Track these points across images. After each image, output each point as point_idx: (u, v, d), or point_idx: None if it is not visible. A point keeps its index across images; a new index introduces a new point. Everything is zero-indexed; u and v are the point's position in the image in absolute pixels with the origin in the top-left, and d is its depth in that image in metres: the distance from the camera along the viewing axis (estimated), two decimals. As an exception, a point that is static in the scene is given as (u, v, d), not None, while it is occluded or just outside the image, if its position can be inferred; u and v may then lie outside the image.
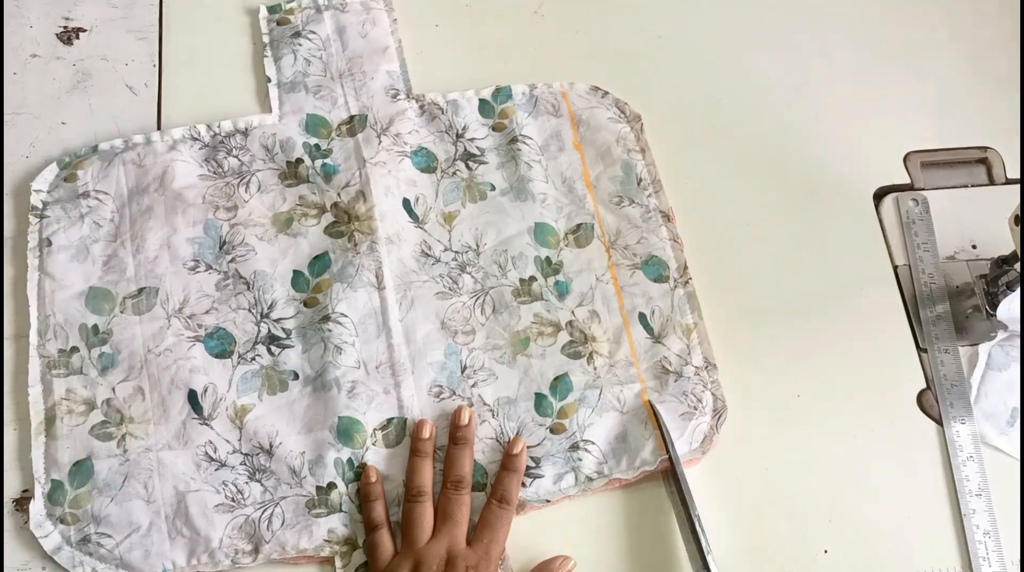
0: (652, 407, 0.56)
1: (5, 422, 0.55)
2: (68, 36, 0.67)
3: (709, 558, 0.50)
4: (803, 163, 0.66)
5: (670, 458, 0.54)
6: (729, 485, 0.55)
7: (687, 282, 0.60)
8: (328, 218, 0.61)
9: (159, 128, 0.64)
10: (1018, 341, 0.60)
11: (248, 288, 0.58)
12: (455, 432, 0.55)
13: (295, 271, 0.59)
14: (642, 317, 0.59)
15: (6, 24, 0.67)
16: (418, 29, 0.69)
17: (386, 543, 0.52)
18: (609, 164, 0.64)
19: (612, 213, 0.62)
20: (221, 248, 0.59)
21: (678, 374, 0.57)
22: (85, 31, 0.67)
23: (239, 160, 0.62)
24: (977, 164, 0.67)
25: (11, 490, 0.53)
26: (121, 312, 0.57)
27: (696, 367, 0.57)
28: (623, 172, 0.63)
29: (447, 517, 0.52)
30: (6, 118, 0.63)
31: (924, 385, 0.59)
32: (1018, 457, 0.57)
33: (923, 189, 0.65)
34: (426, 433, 0.54)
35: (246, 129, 0.63)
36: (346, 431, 0.55)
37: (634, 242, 0.61)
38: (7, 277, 0.58)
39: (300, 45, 0.66)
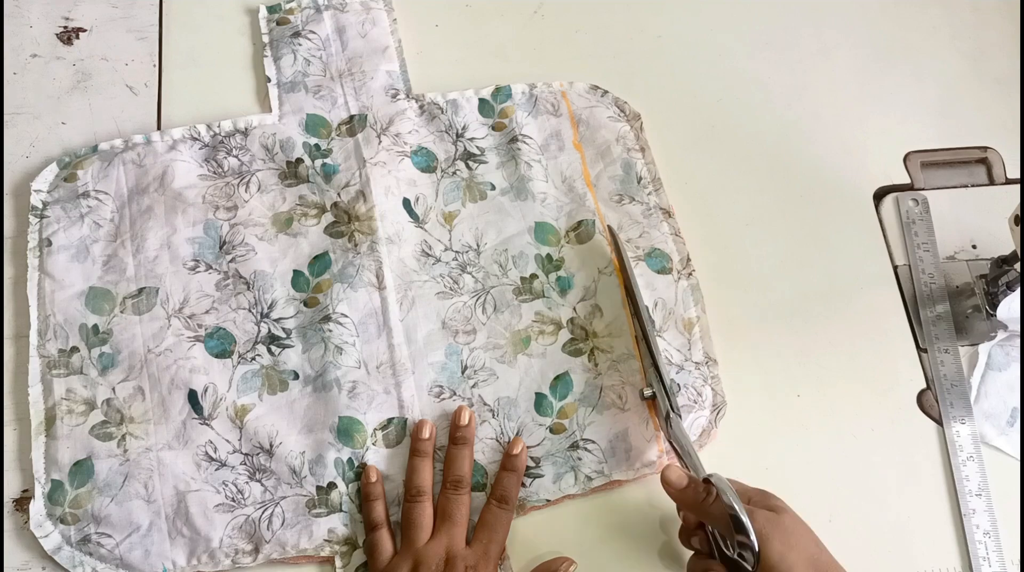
0: (610, 229, 0.60)
1: (5, 422, 0.55)
2: (68, 36, 0.67)
3: (662, 366, 0.54)
4: (803, 163, 0.66)
5: (624, 271, 0.58)
6: (729, 485, 0.55)
7: (691, 274, 0.60)
8: (328, 218, 0.61)
9: (159, 128, 0.64)
10: (1018, 341, 0.60)
11: (248, 288, 0.58)
12: (455, 432, 0.55)
13: (295, 271, 0.59)
14: (644, 310, 0.59)
15: (6, 24, 0.67)
16: (418, 29, 0.69)
17: (386, 543, 0.52)
18: (609, 163, 0.64)
19: (613, 210, 0.62)
20: (221, 248, 0.59)
21: (679, 368, 0.57)
22: (85, 31, 0.67)
23: (239, 160, 0.62)
24: (977, 164, 0.67)
25: (11, 490, 0.53)
26: (121, 312, 0.57)
27: (696, 362, 0.57)
28: (623, 170, 0.63)
29: (446, 517, 0.52)
30: (6, 118, 0.63)
31: (924, 385, 0.59)
32: (1018, 457, 0.57)
33: (923, 189, 0.65)
34: (426, 433, 0.54)
35: (246, 129, 0.63)
36: (346, 431, 0.55)
37: (636, 236, 0.61)
38: (7, 277, 0.58)
39: (300, 45, 0.66)
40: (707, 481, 0.47)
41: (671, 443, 0.53)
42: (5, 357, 0.56)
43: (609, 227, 0.61)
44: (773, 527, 0.44)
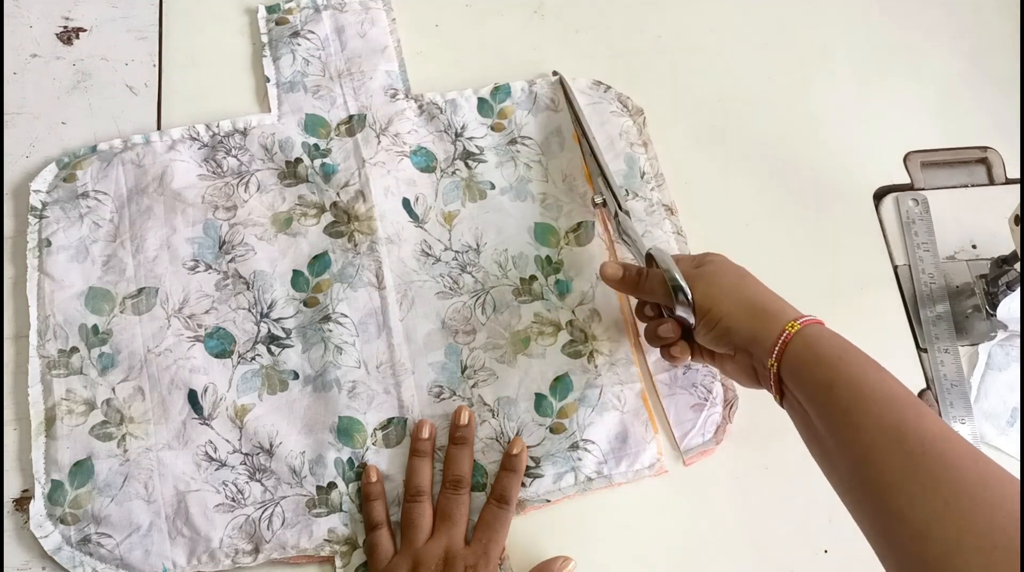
0: (564, 87, 0.64)
1: (5, 422, 0.55)
2: (68, 36, 0.67)
3: (608, 174, 0.60)
4: (803, 163, 0.66)
5: (573, 112, 0.63)
6: (729, 485, 0.55)
7: None
8: (328, 218, 0.61)
9: (159, 128, 0.64)
10: (1018, 341, 0.60)
11: (248, 288, 0.58)
12: (454, 432, 0.55)
13: (295, 271, 0.59)
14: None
15: (6, 24, 0.67)
16: (417, 29, 0.69)
17: (386, 543, 0.52)
18: (612, 158, 0.63)
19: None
20: (221, 248, 0.59)
21: (687, 366, 0.57)
22: (85, 31, 0.67)
23: (238, 160, 0.62)
24: (977, 164, 0.67)
25: (11, 490, 0.53)
26: (121, 312, 0.57)
27: None
28: (626, 165, 0.63)
29: (446, 517, 0.52)
30: (6, 118, 0.63)
31: (924, 385, 0.59)
32: (1018, 457, 0.57)
33: (923, 189, 0.65)
34: (425, 433, 0.54)
35: (245, 129, 0.63)
36: (346, 431, 0.55)
37: (639, 235, 0.61)
38: (7, 277, 0.58)
39: (299, 45, 0.66)
40: (649, 255, 0.53)
41: (622, 237, 0.58)
42: (5, 357, 0.56)
43: (555, 72, 0.66)
44: (697, 277, 0.51)
